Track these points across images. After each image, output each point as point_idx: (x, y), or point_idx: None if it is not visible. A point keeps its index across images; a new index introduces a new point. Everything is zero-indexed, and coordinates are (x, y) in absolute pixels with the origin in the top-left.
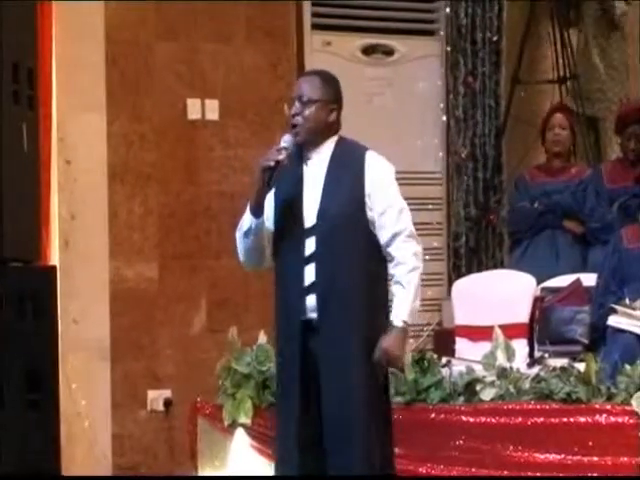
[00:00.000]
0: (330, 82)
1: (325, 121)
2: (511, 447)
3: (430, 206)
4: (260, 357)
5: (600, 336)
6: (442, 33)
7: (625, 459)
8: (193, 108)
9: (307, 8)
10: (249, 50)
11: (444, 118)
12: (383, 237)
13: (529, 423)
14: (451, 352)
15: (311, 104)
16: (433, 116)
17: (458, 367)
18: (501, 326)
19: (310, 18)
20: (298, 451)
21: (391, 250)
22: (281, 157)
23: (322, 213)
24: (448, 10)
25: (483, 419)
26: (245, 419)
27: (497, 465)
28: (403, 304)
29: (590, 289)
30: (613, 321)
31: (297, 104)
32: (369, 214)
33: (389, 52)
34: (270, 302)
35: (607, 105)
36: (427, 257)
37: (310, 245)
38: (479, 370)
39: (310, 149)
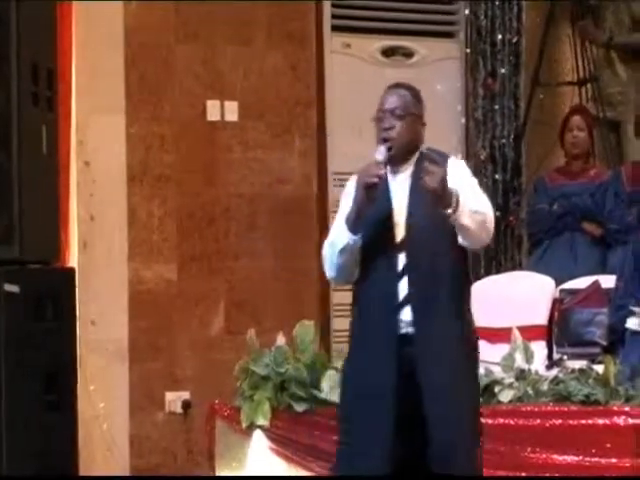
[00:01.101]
0: (419, 97)
1: (416, 134)
2: (529, 449)
3: None
4: (278, 359)
5: (619, 338)
6: (461, 35)
7: None
8: (212, 110)
9: (327, 10)
10: (268, 52)
11: (463, 120)
12: None
13: (547, 425)
14: None
15: (406, 118)
16: (452, 118)
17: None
18: (520, 328)
19: (330, 20)
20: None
21: None
22: (382, 172)
23: (410, 226)
24: (467, 12)
25: (501, 421)
26: (263, 421)
27: (515, 466)
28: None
29: (609, 291)
30: (632, 323)
31: (390, 118)
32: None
33: (409, 54)
34: (288, 304)
35: (628, 108)
36: None
37: (402, 259)
38: (498, 372)
39: (398, 163)
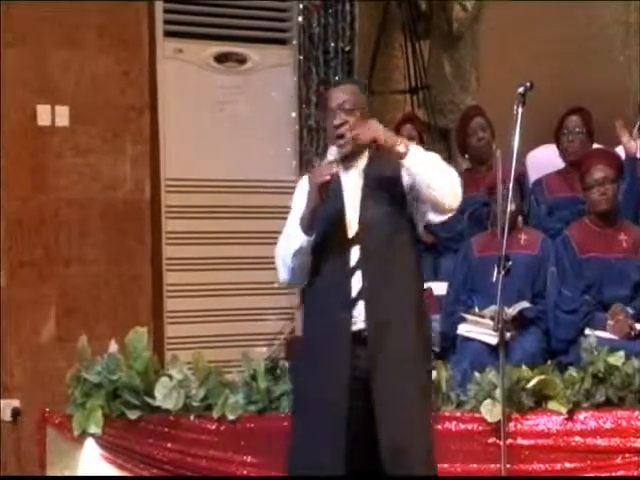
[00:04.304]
0: (364, 90)
1: None
2: None
3: (283, 215)
4: (110, 366)
5: (450, 344)
6: (295, 42)
7: (474, 466)
8: (43, 114)
9: (159, 15)
10: (100, 56)
11: (297, 127)
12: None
13: None
14: None
15: (355, 112)
16: (286, 125)
17: None
18: None
19: (162, 25)
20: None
21: None
22: (334, 171)
23: (363, 221)
24: (300, 19)
25: None
26: (95, 429)
27: None
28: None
29: (441, 298)
30: (463, 330)
31: (341, 114)
32: (409, 206)
33: (242, 60)
34: (121, 311)
35: (459, 116)
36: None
37: (355, 254)
38: None
39: (352, 158)
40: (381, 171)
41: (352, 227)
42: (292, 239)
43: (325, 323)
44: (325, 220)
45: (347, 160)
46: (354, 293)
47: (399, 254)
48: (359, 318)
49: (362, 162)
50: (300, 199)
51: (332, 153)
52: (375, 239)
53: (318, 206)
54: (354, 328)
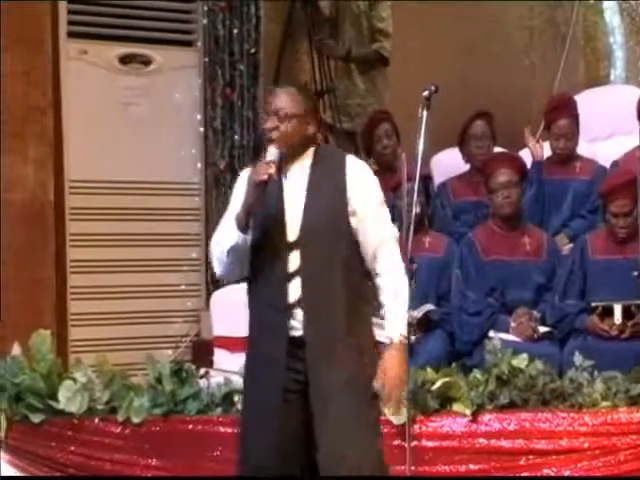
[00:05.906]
0: (307, 94)
1: (304, 135)
2: None
3: (188, 217)
4: (14, 369)
5: None
6: (199, 44)
7: None
8: None
9: (63, 16)
10: (2, 57)
11: (202, 129)
12: (369, 243)
13: None
14: (209, 363)
15: (289, 119)
16: (191, 127)
17: (216, 378)
18: None
19: (66, 26)
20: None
21: (379, 258)
22: (272, 170)
23: (305, 226)
24: (205, 21)
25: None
26: None
27: None
28: (398, 317)
29: None
30: None
31: (274, 118)
32: (352, 220)
33: (146, 62)
34: (24, 313)
35: (366, 119)
36: (185, 268)
37: (294, 260)
38: (237, 381)
39: (290, 162)
40: (326, 178)
41: (293, 231)
42: (227, 235)
43: (263, 327)
44: (265, 221)
45: (290, 161)
46: (292, 299)
47: (341, 263)
48: (298, 325)
49: (306, 163)
50: (238, 194)
51: (272, 154)
52: (316, 245)
53: (255, 205)
54: (293, 334)
